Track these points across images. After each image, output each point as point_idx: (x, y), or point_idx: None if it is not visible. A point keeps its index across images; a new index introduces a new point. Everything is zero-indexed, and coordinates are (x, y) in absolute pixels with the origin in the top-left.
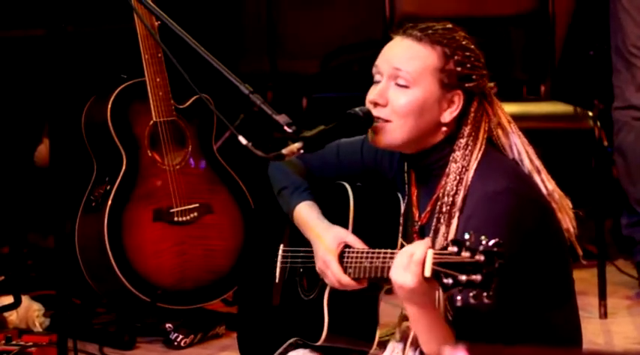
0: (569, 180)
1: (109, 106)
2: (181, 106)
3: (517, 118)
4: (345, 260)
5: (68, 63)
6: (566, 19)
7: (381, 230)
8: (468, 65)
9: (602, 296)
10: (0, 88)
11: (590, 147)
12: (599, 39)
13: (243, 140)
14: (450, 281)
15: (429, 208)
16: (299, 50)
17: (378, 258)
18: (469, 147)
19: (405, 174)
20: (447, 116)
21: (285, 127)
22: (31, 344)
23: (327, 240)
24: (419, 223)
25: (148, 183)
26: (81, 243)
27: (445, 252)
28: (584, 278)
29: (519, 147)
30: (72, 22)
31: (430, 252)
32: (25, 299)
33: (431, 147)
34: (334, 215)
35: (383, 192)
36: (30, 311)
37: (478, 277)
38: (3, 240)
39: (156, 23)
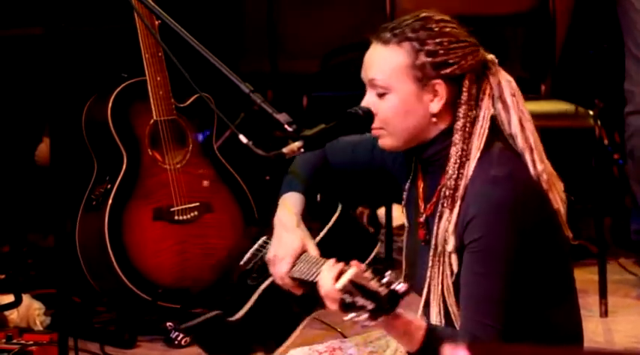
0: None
1: (110, 105)
2: (182, 105)
3: None
4: (296, 261)
5: (68, 62)
6: (566, 18)
7: (344, 257)
8: (441, 51)
9: (603, 294)
10: (0, 87)
11: (591, 146)
12: (599, 37)
13: (243, 139)
14: (350, 300)
15: (434, 199)
16: (299, 50)
17: (317, 263)
18: (467, 128)
19: (413, 167)
20: (435, 107)
21: (286, 126)
22: (31, 342)
23: (291, 237)
24: (424, 214)
25: (149, 182)
26: (81, 242)
27: (365, 276)
28: (584, 277)
29: (515, 123)
30: (72, 21)
31: (353, 269)
32: (26, 298)
33: (431, 140)
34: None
35: (364, 231)
36: (31, 310)
37: (372, 305)
38: (3, 239)
39: (156, 22)
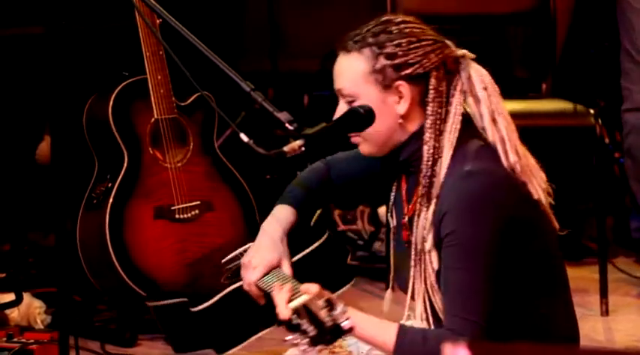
0: (570, 177)
1: (111, 104)
2: (183, 104)
3: (518, 116)
4: (267, 273)
5: (69, 60)
6: (567, 16)
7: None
8: (400, 52)
9: (604, 293)
10: (1, 85)
11: (592, 145)
12: (600, 36)
13: (244, 137)
14: (297, 321)
15: (415, 198)
16: (300, 49)
17: (285, 280)
18: (437, 126)
19: (396, 170)
20: (402, 108)
21: (287, 125)
22: (32, 341)
23: (270, 250)
24: (407, 215)
25: (150, 180)
26: (82, 241)
27: (318, 304)
28: (585, 276)
29: (486, 117)
30: (73, 20)
31: (308, 296)
32: (27, 297)
33: (405, 141)
34: (297, 239)
35: (344, 264)
36: (31, 309)
37: (314, 333)
38: (4, 238)
39: (157, 21)
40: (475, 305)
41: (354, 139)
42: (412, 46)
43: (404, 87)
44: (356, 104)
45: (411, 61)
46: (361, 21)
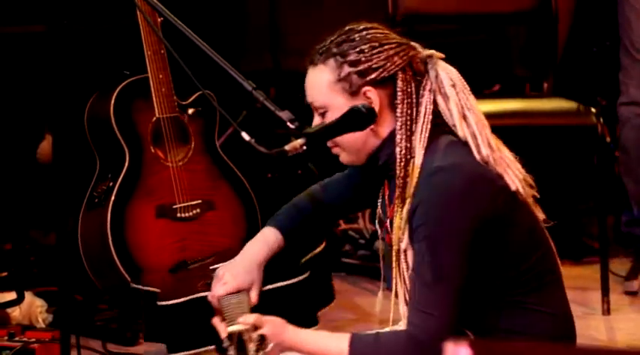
0: (571, 176)
1: (112, 103)
2: (184, 103)
3: (520, 115)
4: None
5: (71, 59)
6: (568, 15)
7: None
8: (363, 58)
9: (605, 292)
10: (2, 84)
11: (593, 144)
12: (602, 35)
13: (246, 136)
14: (227, 344)
15: (395, 201)
16: (302, 48)
17: (244, 307)
18: (408, 126)
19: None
20: None
21: (289, 123)
22: (33, 340)
23: (244, 273)
24: (389, 218)
25: (151, 179)
26: (83, 240)
27: (252, 337)
28: (586, 275)
29: (455, 114)
30: (74, 19)
31: (246, 327)
32: (28, 296)
33: (380, 146)
34: (278, 267)
35: (309, 312)
36: (33, 308)
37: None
38: (5, 237)
39: (159, 19)
40: (438, 299)
41: (334, 150)
42: (375, 50)
43: (371, 92)
44: (328, 115)
45: (374, 66)
46: (363, 19)
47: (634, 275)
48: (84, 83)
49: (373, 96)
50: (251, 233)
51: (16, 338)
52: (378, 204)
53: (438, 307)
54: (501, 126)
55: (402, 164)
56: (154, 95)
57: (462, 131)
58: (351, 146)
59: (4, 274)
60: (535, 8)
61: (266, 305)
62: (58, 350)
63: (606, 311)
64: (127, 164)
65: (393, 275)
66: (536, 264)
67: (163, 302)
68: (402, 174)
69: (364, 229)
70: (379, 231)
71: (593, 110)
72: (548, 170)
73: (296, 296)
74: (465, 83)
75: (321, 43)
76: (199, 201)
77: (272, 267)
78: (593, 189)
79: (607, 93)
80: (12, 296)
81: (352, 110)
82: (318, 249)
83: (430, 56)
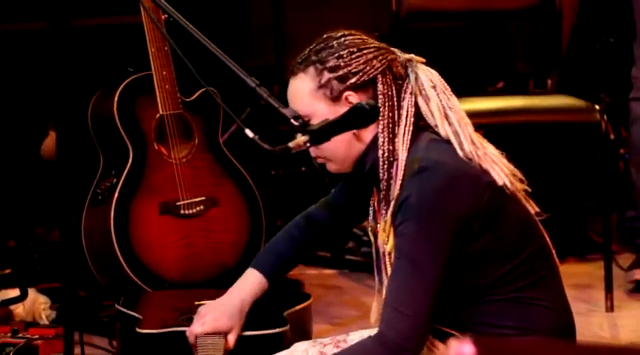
0: (575, 173)
1: (116, 99)
2: (188, 99)
3: (523, 111)
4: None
5: (74, 56)
6: (572, 12)
7: None
8: (342, 63)
9: (609, 289)
10: (6, 81)
11: (597, 141)
12: (605, 32)
13: (249, 133)
14: None
15: (380, 204)
16: (305, 45)
17: (219, 351)
18: (390, 129)
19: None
20: None
21: (292, 120)
22: (37, 336)
23: (226, 317)
24: (378, 223)
25: (155, 176)
26: (87, 236)
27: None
28: (589, 272)
29: (436, 114)
30: (78, 15)
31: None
32: (32, 292)
33: (364, 152)
34: (263, 316)
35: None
36: (36, 304)
37: None
38: (9, 234)
39: (162, 16)
40: (413, 298)
41: (319, 160)
42: (353, 55)
43: (352, 96)
44: (313, 123)
45: (354, 70)
46: (367, 17)
47: (637, 266)
48: (87, 80)
49: (354, 101)
50: (255, 230)
51: (20, 335)
52: (370, 210)
53: (412, 306)
54: (505, 124)
55: (385, 166)
56: (157, 92)
57: (444, 130)
58: (336, 153)
59: (8, 271)
60: (539, 5)
61: (241, 351)
62: (62, 346)
63: (610, 308)
64: (130, 161)
65: (383, 279)
66: (530, 258)
67: (142, 330)
68: (385, 177)
69: (368, 226)
70: (371, 238)
71: (597, 107)
72: (552, 167)
73: (272, 347)
74: (445, 84)
75: (300, 54)
76: (203, 198)
77: (254, 315)
78: (597, 187)
79: (611, 91)
80: (15, 292)
81: (356, 107)
82: (303, 305)
83: (410, 60)
